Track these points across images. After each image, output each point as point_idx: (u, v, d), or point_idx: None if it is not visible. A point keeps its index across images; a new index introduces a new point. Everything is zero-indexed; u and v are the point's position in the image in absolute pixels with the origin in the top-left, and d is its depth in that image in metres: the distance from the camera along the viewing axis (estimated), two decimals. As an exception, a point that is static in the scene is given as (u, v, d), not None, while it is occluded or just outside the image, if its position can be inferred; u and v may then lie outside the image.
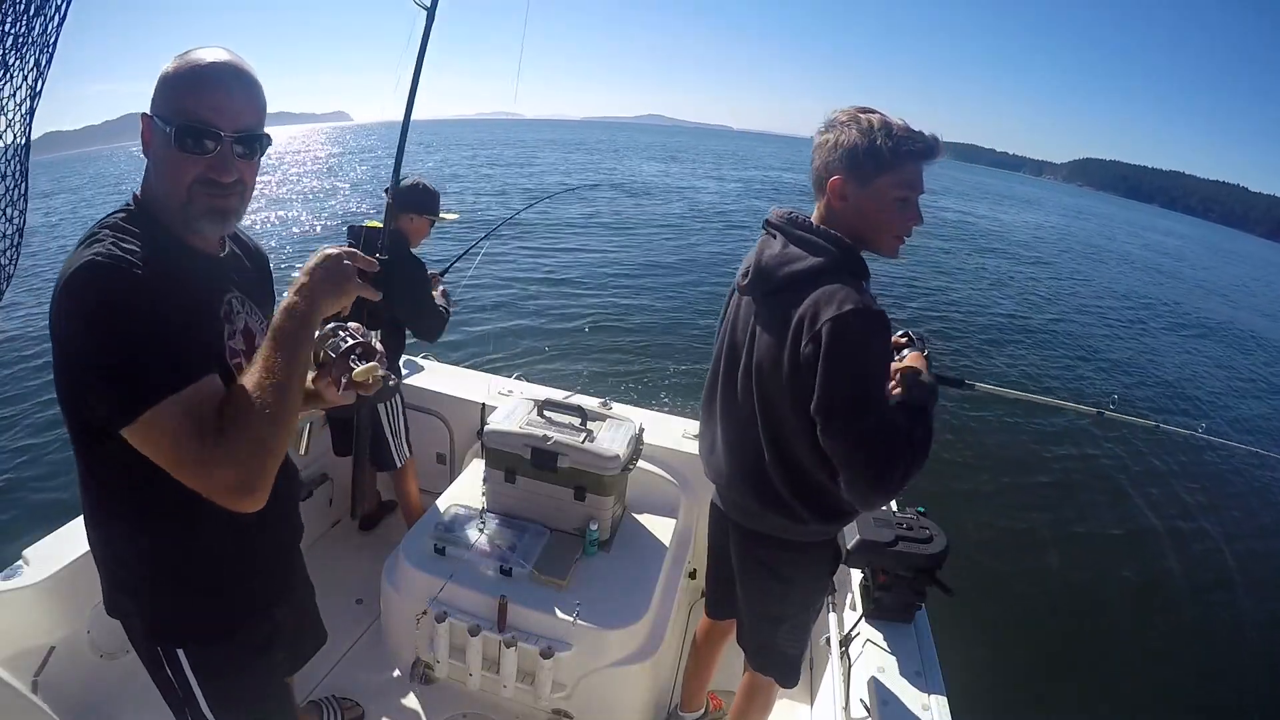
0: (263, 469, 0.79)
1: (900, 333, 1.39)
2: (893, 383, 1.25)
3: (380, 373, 1.02)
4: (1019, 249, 18.96)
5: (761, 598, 1.51)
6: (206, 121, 0.84)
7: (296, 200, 19.04)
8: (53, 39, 0.79)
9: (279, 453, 0.81)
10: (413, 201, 2.25)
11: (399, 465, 2.39)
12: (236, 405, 0.79)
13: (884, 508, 1.75)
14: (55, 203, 20.96)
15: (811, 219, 1.24)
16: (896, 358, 1.33)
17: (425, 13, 1.96)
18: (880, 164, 1.15)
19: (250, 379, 0.80)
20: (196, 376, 0.80)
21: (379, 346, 1.06)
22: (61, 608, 1.62)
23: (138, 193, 0.92)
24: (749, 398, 1.29)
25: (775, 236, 1.27)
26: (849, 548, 1.63)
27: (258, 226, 13.81)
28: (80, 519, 1.72)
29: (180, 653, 1.03)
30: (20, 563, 1.59)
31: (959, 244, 17.72)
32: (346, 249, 0.89)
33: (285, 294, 0.86)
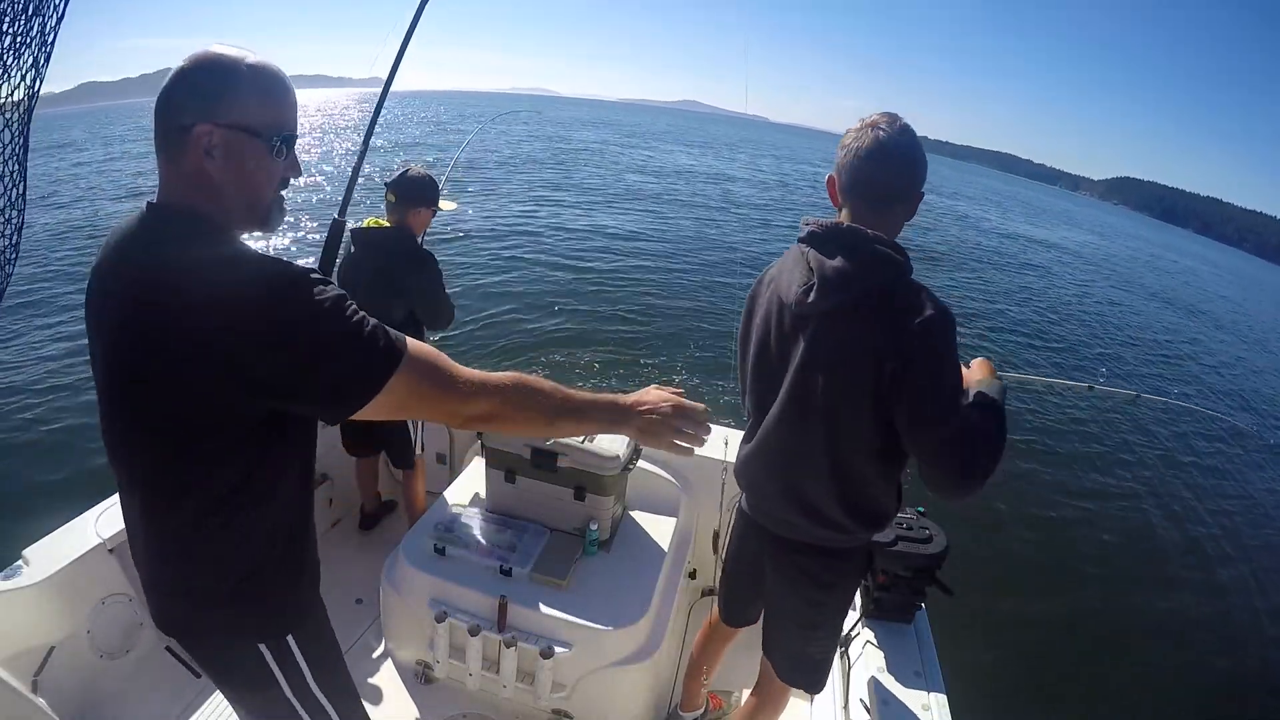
0: (501, 426, 0.94)
1: None
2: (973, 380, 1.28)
3: None
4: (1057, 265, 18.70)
5: (800, 606, 1.48)
6: (292, 128, 0.89)
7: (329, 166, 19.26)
8: (50, 39, 0.79)
9: (505, 426, 0.95)
10: (419, 195, 2.25)
11: (416, 458, 2.42)
12: (532, 385, 0.94)
13: None
14: (89, 155, 20.97)
15: (865, 229, 1.21)
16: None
17: None
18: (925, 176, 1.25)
19: (556, 390, 0.95)
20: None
21: None
22: (61, 608, 1.62)
23: (187, 206, 0.84)
24: (809, 413, 1.27)
25: (828, 249, 1.23)
26: None
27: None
28: (79, 519, 1.74)
29: (290, 639, 1.04)
30: (20, 563, 1.59)
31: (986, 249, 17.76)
32: (682, 414, 1.02)
33: (629, 403, 1.01)
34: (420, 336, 2.36)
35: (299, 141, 0.91)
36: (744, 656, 1.85)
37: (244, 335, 0.76)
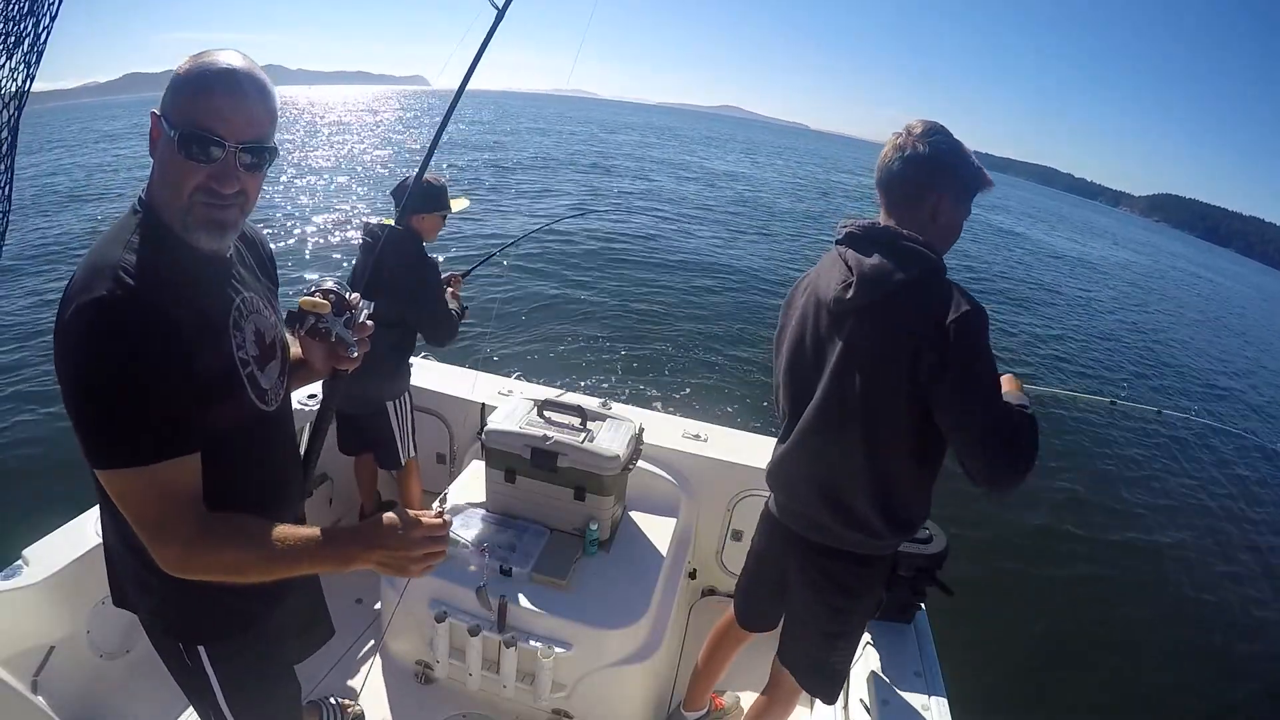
0: (202, 574, 0.85)
1: None
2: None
3: (323, 324, 1.07)
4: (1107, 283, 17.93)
5: (824, 613, 1.47)
6: (212, 129, 0.82)
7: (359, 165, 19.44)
8: (43, 40, 0.79)
9: (220, 579, 0.86)
10: (419, 201, 2.19)
11: (403, 464, 2.40)
12: (235, 532, 0.85)
13: None
14: (129, 147, 20.87)
15: (899, 228, 1.26)
16: None
17: (495, 12, 1.92)
18: (975, 188, 1.28)
19: (266, 531, 0.85)
20: (172, 454, 0.82)
21: (356, 304, 1.12)
22: (61, 608, 1.62)
23: (143, 195, 0.90)
24: (847, 412, 1.28)
25: (864, 248, 1.28)
26: None
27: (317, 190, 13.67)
28: (79, 519, 1.74)
29: (201, 650, 1.04)
30: (20, 563, 1.59)
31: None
32: (430, 549, 0.87)
33: (349, 539, 0.87)
34: (411, 343, 2.33)
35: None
36: (744, 658, 1.85)
37: (55, 344, 0.80)
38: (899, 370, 1.19)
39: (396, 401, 2.35)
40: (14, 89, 0.80)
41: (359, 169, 18.73)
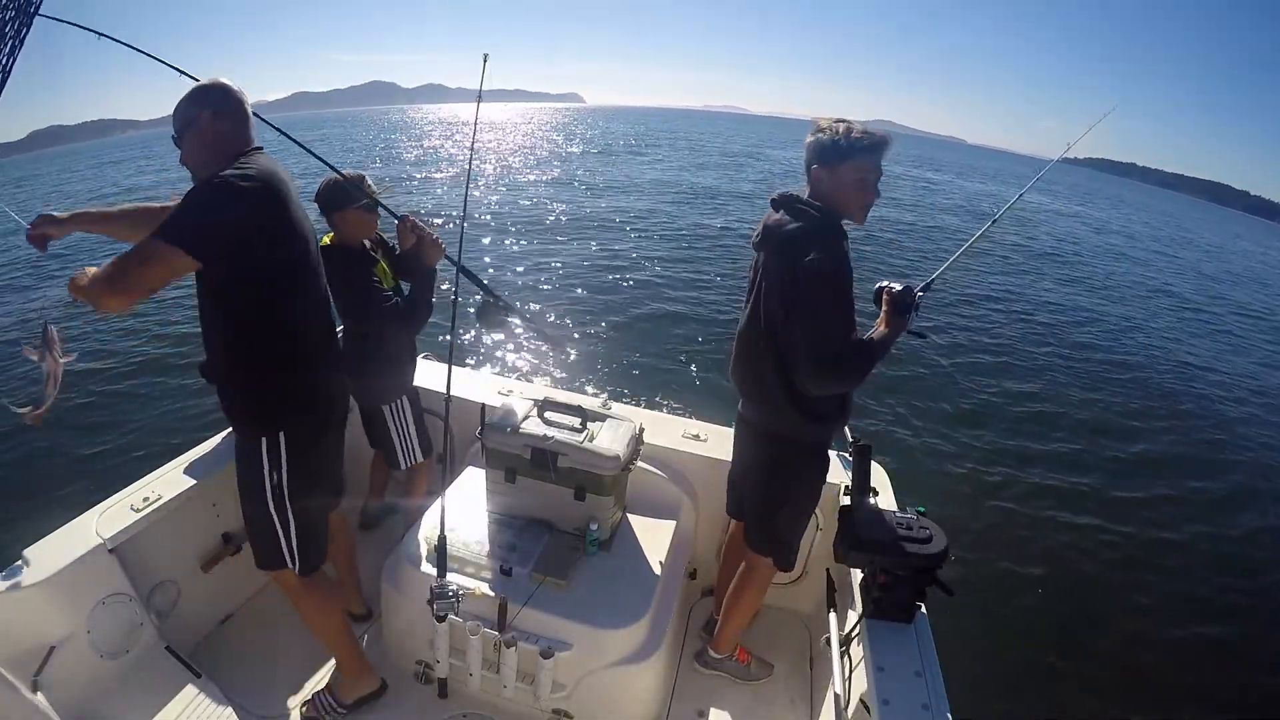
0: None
1: (904, 287, 1.67)
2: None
3: None
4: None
5: (769, 481, 1.82)
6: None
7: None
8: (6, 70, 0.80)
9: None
10: (327, 202, 2.07)
11: (403, 467, 2.40)
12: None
13: (884, 507, 1.79)
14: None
15: (795, 193, 1.66)
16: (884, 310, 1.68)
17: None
18: (839, 159, 1.58)
19: None
20: None
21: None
22: (61, 608, 1.62)
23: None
24: (760, 327, 1.69)
25: (777, 208, 1.68)
26: (848, 548, 1.64)
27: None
28: (79, 519, 1.75)
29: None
30: (20, 563, 1.59)
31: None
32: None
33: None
34: (377, 347, 2.23)
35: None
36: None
37: None
38: (784, 295, 1.60)
39: (391, 406, 2.31)
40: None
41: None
